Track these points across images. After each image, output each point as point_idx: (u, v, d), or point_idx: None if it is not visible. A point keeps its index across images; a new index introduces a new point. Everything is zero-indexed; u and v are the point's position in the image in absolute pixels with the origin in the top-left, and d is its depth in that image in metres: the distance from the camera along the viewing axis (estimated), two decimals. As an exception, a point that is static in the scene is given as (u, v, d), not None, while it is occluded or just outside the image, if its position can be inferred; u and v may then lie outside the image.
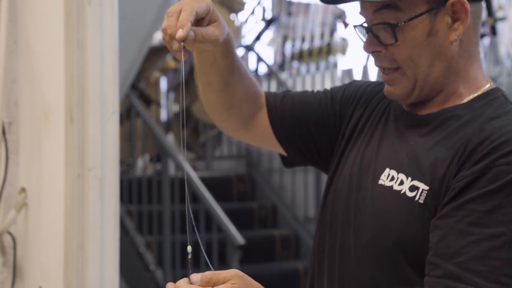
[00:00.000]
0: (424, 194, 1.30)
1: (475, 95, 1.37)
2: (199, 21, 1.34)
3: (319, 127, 1.54)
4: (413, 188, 1.31)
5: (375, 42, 1.36)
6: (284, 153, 1.61)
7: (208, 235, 4.70)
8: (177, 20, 1.30)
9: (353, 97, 1.53)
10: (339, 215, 1.43)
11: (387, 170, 1.37)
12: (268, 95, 1.59)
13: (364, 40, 1.39)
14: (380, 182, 1.37)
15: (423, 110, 1.40)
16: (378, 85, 1.52)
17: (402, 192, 1.32)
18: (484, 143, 1.26)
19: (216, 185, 5.77)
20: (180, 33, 1.28)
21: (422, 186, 1.30)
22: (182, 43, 1.29)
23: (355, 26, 1.40)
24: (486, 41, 5.87)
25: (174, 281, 1.20)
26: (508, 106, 1.35)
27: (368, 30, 1.37)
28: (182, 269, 4.72)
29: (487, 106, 1.34)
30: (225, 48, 1.46)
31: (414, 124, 1.39)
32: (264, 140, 1.61)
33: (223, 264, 4.58)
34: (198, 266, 4.70)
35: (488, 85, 1.38)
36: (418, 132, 1.37)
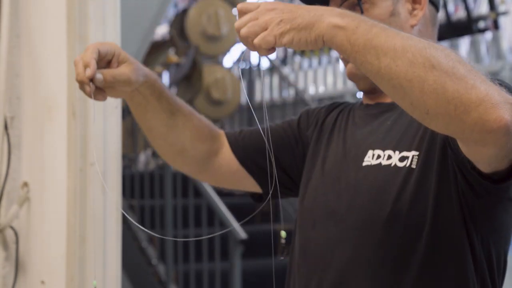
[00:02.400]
0: (415, 159, 1.33)
1: None
2: (108, 64, 1.41)
3: (279, 148, 1.56)
4: (402, 159, 1.35)
5: None
6: (255, 185, 1.61)
7: (210, 229, 4.70)
8: (83, 66, 1.36)
9: (310, 118, 1.59)
10: (323, 210, 1.44)
11: (370, 152, 1.40)
12: (227, 132, 1.62)
13: None
14: (365, 163, 1.39)
15: (388, 99, 1.44)
16: (332, 104, 1.60)
17: (392, 165, 1.35)
18: None
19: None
20: (88, 72, 1.34)
21: (411, 153, 1.34)
22: (92, 83, 1.35)
23: None
24: (489, 35, 5.86)
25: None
26: None
27: None
28: (184, 264, 4.72)
29: None
30: (154, 89, 1.50)
31: (387, 110, 1.44)
32: (231, 176, 1.62)
33: (225, 259, 4.59)
34: (201, 261, 4.70)
35: None
36: (392, 113, 1.42)
